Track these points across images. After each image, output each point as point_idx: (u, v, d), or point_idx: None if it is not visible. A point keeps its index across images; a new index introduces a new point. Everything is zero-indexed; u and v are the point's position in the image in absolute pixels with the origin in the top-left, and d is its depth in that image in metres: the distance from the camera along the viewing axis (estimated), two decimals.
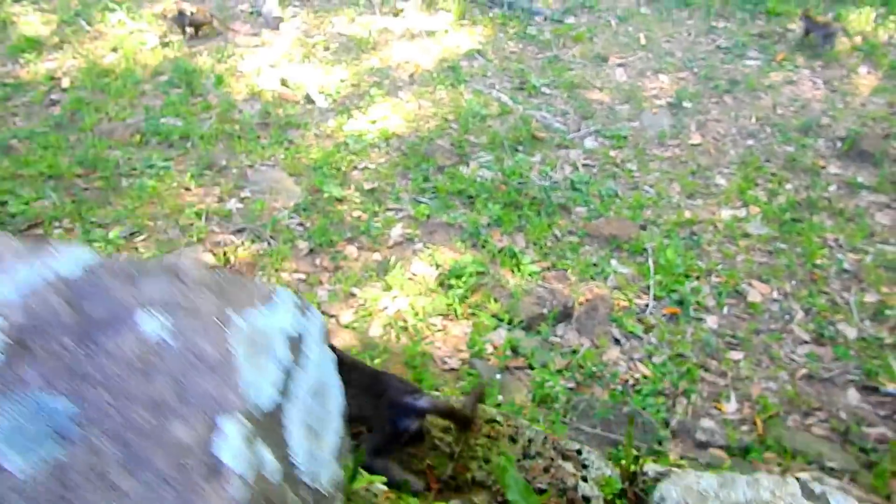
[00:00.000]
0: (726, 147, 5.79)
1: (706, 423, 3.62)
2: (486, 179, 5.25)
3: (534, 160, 5.57)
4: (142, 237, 4.60)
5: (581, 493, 1.41)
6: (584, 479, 1.41)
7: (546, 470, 1.56)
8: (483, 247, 4.59)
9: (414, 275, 4.36)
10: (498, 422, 1.75)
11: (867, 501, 3.17)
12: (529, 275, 4.38)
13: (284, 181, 5.14)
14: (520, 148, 5.68)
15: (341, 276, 4.32)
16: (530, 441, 1.77)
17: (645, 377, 3.81)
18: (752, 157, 5.62)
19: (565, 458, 1.61)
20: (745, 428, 3.61)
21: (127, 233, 4.58)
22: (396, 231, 4.74)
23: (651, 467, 1.51)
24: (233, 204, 4.93)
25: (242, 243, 4.52)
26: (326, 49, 7.03)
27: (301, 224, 4.75)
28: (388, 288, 4.26)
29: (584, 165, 5.56)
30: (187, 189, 5.05)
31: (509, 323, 3.99)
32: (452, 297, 4.11)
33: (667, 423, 3.48)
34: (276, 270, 4.33)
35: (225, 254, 4.38)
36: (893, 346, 4.10)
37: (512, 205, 5.00)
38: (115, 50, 6.90)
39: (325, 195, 4.97)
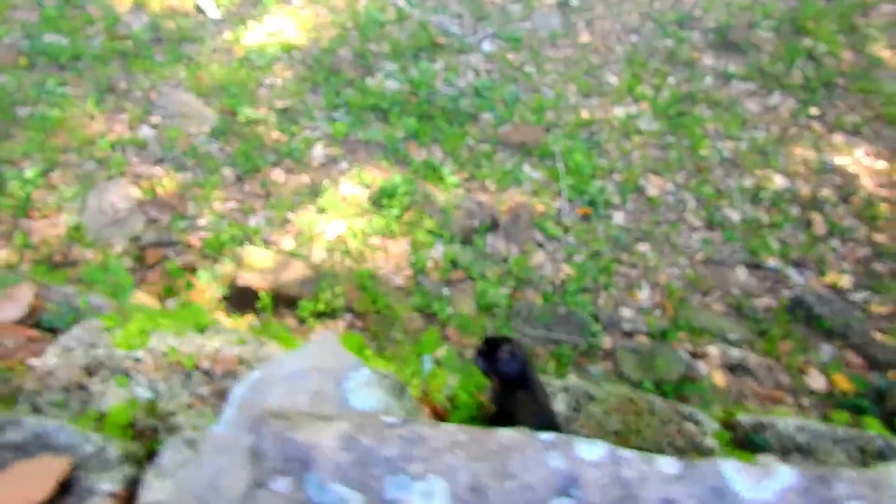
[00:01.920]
0: (613, 44, 6.14)
1: (625, 312, 4.15)
2: (394, 91, 5.36)
3: (437, 67, 5.70)
4: (58, 173, 4.45)
5: (706, 445, 1.72)
6: (704, 434, 1.72)
7: (679, 431, 1.86)
8: (406, 163, 4.78)
9: (345, 196, 4.52)
10: (633, 400, 1.98)
11: (762, 365, 3.84)
12: (454, 186, 4.65)
13: (193, 103, 5.03)
14: (422, 55, 5.78)
15: (274, 203, 4.42)
16: (660, 410, 2.04)
17: (569, 276, 4.26)
18: (637, 55, 6.01)
19: (684, 418, 1.91)
20: (657, 313, 4.17)
21: (42, 170, 4.41)
22: (318, 152, 4.83)
23: (743, 418, 1.85)
24: (145, 132, 4.81)
25: (168, 173, 4.48)
26: None
27: (221, 149, 4.74)
28: (322, 211, 4.41)
29: (485, 71, 5.76)
30: (91, 117, 4.85)
31: (446, 237, 4.28)
32: (388, 216, 4.34)
33: (596, 318, 3.96)
34: (203, 201, 4.35)
35: (152, 187, 4.35)
36: (770, 226, 4.75)
37: (425, 116, 5.18)
38: None
39: (240, 117, 4.94)
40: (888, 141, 5.53)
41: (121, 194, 4.28)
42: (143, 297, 3.53)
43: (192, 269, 3.87)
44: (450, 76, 5.63)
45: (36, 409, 1.59)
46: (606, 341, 3.84)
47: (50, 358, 1.74)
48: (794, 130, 5.53)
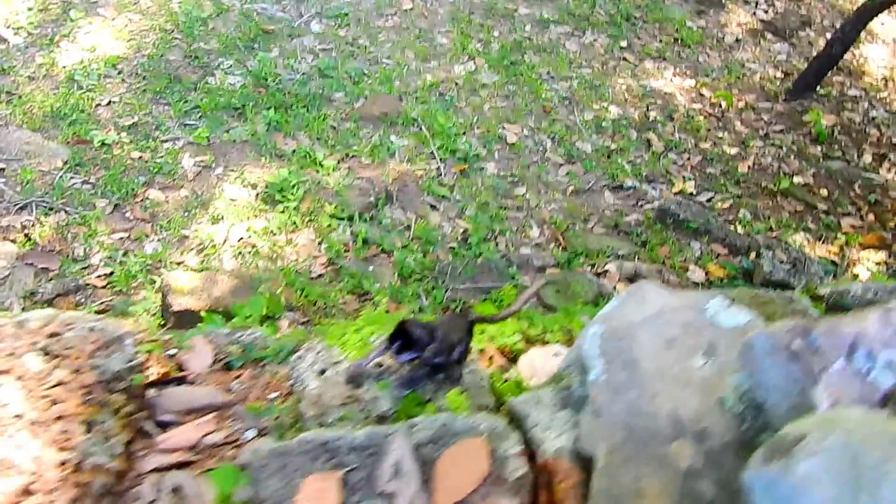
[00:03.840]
0: (435, 7, 6.41)
1: (525, 251, 4.51)
2: (241, 86, 5.28)
3: (273, 56, 5.67)
4: None
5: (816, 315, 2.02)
6: (807, 308, 1.99)
7: (793, 312, 1.96)
8: (280, 156, 4.78)
9: (233, 200, 4.46)
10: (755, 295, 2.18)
11: (653, 271, 4.37)
12: (332, 170, 4.73)
13: (33, 140, 4.64)
14: (255, 46, 5.71)
15: (164, 223, 4.27)
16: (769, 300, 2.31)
17: (468, 230, 4.53)
18: (460, 13, 6.33)
19: (789, 302, 2.16)
20: (552, 246, 4.57)
21: None
22: (187, 162, 4.68)
23: (822, 290, 2.15)
24: None
25: (38, 219, 4.16)
26: None
27: (85, 181, 4.46)
28: (216, 220, 4.33)
29: (322, 51, 5.81)
30: None
31: (348, 219, 4.38)
32: (286, 210, 4.35)
33: (509, 261, 4.29)
34: (90, 239, 4.12)
35: (27, 237, 4.03)
36: (618, 151, 5.32)
37: (280, 106, 5.16)
38: None
39: (93, 144, 4.65)
40: (689, 61, 6.32)
41: None
42: None
43: (105, 310, 3.69)
44: (290, 62, 5.62)
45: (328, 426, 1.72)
46: (526, 279, 4.18)
47: (309, 384, 1.82)
48: (613, 63, 6.15)
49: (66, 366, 1.52)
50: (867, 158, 5.42)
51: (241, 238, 4.22)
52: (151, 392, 1.73)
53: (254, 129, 4.95)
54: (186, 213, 4.36)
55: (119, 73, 5.30)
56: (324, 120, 5.13)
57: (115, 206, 4.34)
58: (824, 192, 5.10)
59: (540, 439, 1.51)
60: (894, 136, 5.72)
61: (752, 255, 4.43)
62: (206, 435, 1.60)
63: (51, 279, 3.86)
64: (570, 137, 5.36)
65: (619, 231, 4.70)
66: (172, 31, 5.72)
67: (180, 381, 1.79)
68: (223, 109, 5.09)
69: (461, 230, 4.54)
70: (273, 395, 1.80)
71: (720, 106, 5.94)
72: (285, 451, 1.48)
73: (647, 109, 5.72)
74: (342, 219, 4.38)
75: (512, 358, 2.09)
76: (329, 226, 4.33)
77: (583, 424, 1.45)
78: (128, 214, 4.32)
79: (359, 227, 4.33)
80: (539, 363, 1.95)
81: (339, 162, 4.84)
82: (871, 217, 4.92)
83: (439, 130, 5.16)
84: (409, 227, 4.46)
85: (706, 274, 4.43)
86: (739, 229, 4.74)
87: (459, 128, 5.26)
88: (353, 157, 4.93)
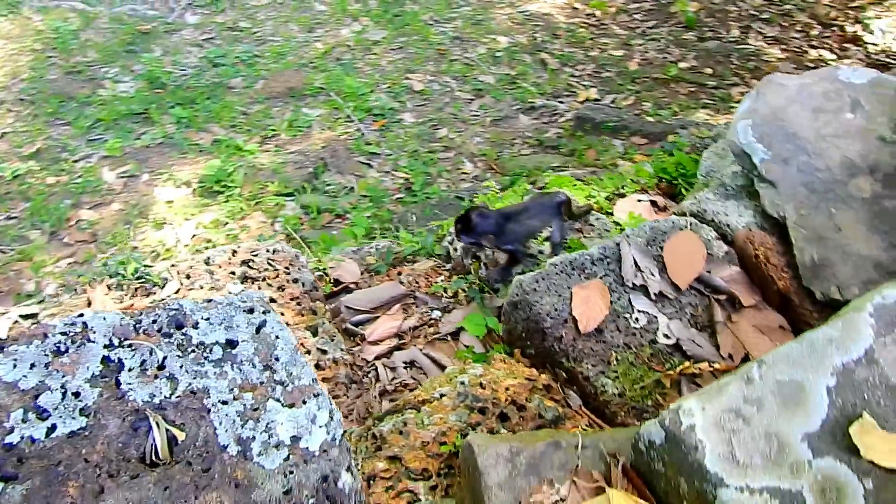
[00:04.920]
0: None
1: (464, 184, 4.70)
2: (135, 91, 5.14)
3: (158, 55, 5.52)
4: None
5: None
6: None
7: None
8: (202, 150, 4.73)
9: (170, 202, 4.40)
10: None
11: (584, 173, 4.66)
12: (257, 153, 4.73)
13: None
14: (136, 49, 5.54)
15: (109, 240, 4.17)
16: None
17: (408, 178, 4.67)
18: None
19: None
20: (488, 174, 4.78)
21: None
22: (109, 176, 4.56)
23: None
24: None
25: None
26: None
27: (9, 217, 4.27)
28: (159, 226, 4.27)
29: (206, 41, 5.70)
30: None
31: (291, 195, 4.42)
32: (230, 198, 4.34)
33: (460, 198, 4.46)
34: (38, 271, 3.98)
35: None
36: (519, 76, 5.56)
37: (184, 103, 5.07)
38: None
39: (5, 178, 4.44)
40: None
41: None
42: None
43: None
44: (177, 58, 5.50)
45: None
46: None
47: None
48: None
49: (270, 284, 1.64)
50: (735, 32, 5.91)
51: (195, 235, 4.19)
52: (333, 300, 1.90)
53: (164, 130, 4.85)
54: (128, 226, 4.27)
55: (1, 103, 5.03)
56: (230, 107, 5.08)
57: (51, 233, 4.20)
58: (709, 70, 5.54)
59: (726, 223, 1.86)
60: (751, 8, 6.25)
61: (670, 137, 4.80)
62: (403, 320, 1.78)
63: (6, 321, 3.71)
64: (472, 73, 5.55)
65: (545, 147, 4.96)
66: (44, 49, 5.45)
67: (346, 289, 1.97)
68: (126, 117, 4.95)
69: (402, 180, 4.67)
70: (439, 278, 1.98)
71: (595, 15, 6.28)
72: (545, 276, 1.77)
73: (533, 33, 5.98)
74: (287, 195, 4.42)
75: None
76: (277, 204, 4.35)
77: (763, 198, 1.79)
78: (66, 239, 4.19)
79: (306, 198, 4.38)
80: (629, 207, 2.25)
81: (261, 144, 4.84)
82: (755, 81, 5.41)
83: (348, 93, 5.23)
84: (352, 189, 4.55)
85: (633, 163, 4.77)
86: (650, 119, 5.11)
87: (366, 87, 5.34)
88: (273, 136, 4.93)
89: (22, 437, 1.05)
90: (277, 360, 1.24)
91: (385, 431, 1.45)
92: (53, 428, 1.07)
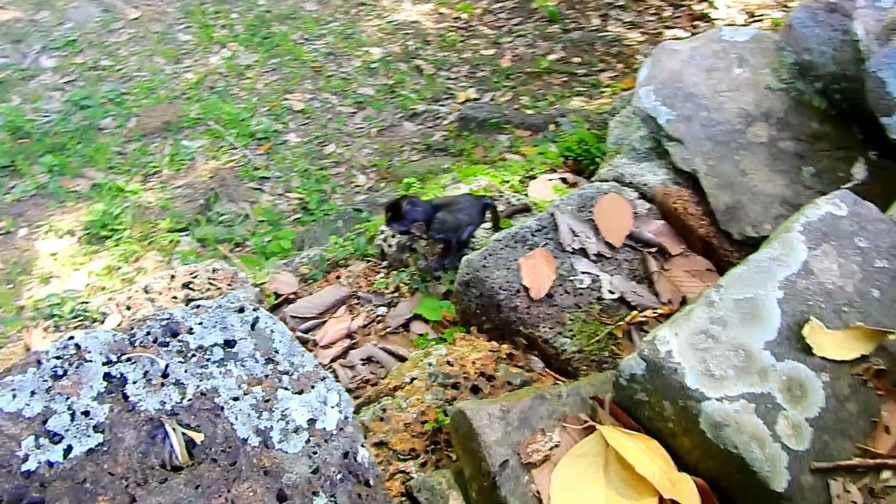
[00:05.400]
0: (163, 6, 6.21)
1: (359, 197, 4.71)
2: None
3: (17, 104, 5.23)
4: None
5: None
6: None
7: None
8: (81, 197, 4.52)
9: (54, 254, 4.18)
10: None
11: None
12: (141, 192, 4.57)
13: None
14: None
15: None
16: None
17: (301, 198, 4.63)
18: (192, 5, 6.19)
19: None
20: (382, 184, 4.81)
21: None
22: None
23: None
24: None
25: None
26: None
27: None
28: (45, 280, 4.05)
29: (67, 83, 5.45)
30: None
31: (185, 229, 4.29)
32: (119, 241, 4.17)
33: (359, 210, 4.46)
34: None
35: None
36: (397, 84, 5.61)
37: (53, 150, 4.83)
38: None
39: None
40: None
41: None
42: None
43: None
44: (37, 105, 5.23)
45: None
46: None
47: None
48: (354, 10, 6.39)
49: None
50: (596, 21, 6.19)
51: (88, 284, 4.00)
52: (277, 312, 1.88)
53: (36, 180, 4.61)
54: (10, 285, 4.02)
55: None
56: (104, 150, 4.88)
57: None
58: (577, 59, 5.78)
59: (643, 183, 2.02)
60: None
61: (552, 126, 4.98)
62: (352, 321, 1.79)
63: None
64: (351, 86, 5.57)
65: (434, 150, 5.03)
66: None
67: (287, 300, 1.97)
68: None
69: (297, 201, 4.63)
70: (377, 276, 2.00)
71: (462, 18, 6.42)
72: (492, 252, 1.88)
73: (405, 41, 6.05)
74: (181, 230, 4.29)
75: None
76: (171, 241, 4.22)
77: (674, 155, 1.95)
78: None
79: (201, 230, 4.27)
80: (541, 186, 2.35)
81: (143, 182, 4.68)
82: (620, 66, 5.69)
83: (228, 120, 5.13)
84: (247, 216, 4.47)
85: (524, 156, 4.91)
86: (529, 112, 5.28)
87: (245, 112, 5.25)
88: (155, 173, 4.77)
89: (39, 463, 1.06)
90: (277, 352, 1.30)
91: (366, 421, 1.52)
92: (70, 449, 1.09)
